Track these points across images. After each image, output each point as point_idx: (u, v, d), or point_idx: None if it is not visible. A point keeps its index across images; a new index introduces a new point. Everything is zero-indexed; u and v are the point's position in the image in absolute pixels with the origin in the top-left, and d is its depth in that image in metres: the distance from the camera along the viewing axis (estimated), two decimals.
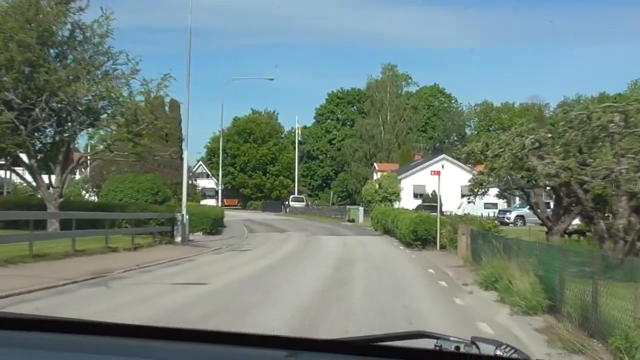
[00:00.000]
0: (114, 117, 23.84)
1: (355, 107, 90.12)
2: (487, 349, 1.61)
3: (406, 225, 26.98)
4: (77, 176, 50.59)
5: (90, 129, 24.42)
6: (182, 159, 30.99)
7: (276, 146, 78.92)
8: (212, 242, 26.94)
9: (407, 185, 55.40)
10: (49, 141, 24.68)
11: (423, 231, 25.59)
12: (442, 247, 24.18)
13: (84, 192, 47.92)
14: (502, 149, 17.84)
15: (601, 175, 15.45)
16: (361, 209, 51.34)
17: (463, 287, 13.97)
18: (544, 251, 11.19)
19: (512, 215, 42.69)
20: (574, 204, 17.99)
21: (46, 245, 17.19)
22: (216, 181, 56.86)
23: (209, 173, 76.26)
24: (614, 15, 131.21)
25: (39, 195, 25.22)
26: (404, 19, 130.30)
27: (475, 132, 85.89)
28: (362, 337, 1.74)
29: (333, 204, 73.49)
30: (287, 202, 70.69)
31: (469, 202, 20.96)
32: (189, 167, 34.90)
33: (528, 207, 34.28)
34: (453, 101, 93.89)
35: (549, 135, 18.05)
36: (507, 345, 1.64)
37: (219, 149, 53.53)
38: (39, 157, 24.11)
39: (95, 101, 23.62)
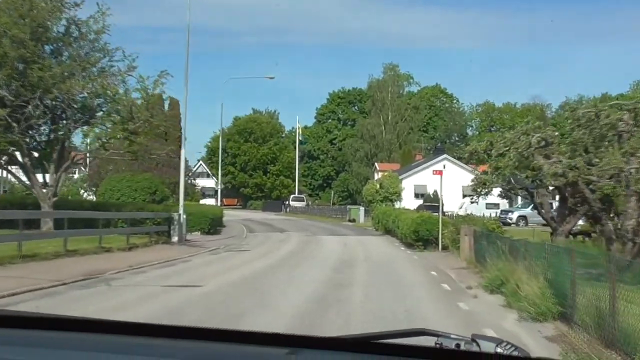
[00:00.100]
0: (109, 115, 23.39)
1: (356, 107, 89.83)
2: (487, 347, 1.60)
3: (407, 226, 26.52)
4: (76, 175, 50.32)
5: (85, 127, 23.96)
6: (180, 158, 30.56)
7: (277, 146, 78.67)
8: (209, 242, 26.48)
9: (408, 185, 55.03)
10: (43, 139, 24.22)
11: (425, 231, 25.13)
12: (444, 248, 23.72)
13: (82, 191, 47.62)
14: (508, 148, 17.38)
15: (609, 174, 15.01)
16: (362, 209, 51.00)
17: (467, 290, 13.49)
18: (554, 253, 10.64)
19: (514, 216, 42.25)
20: (579, 204, 17.53)
21: (37, 245, 16.74)
22: (216, 180, 56.50)
23: (209, 172, 76.01)
24: (616, 15, 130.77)
25: (34, 194, 24.78)
26: (406, 19, 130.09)
27: (477, 133, 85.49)
28: (362, 335, 1.76)
29: (334, 203, 73.13)
30: (287, 202, 70.43)
31: (472, 202, 20.49)
32: (189, 167, 34.51)
33: (530, 207, 34.11)
34: (454, 101, 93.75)
35: (556, 133, 17.61)
36: (508, 343, 1.63)
37: (219, 148, 53.30)
38: (33, 156, 23.66)
39: (91, 98, 23.22)
